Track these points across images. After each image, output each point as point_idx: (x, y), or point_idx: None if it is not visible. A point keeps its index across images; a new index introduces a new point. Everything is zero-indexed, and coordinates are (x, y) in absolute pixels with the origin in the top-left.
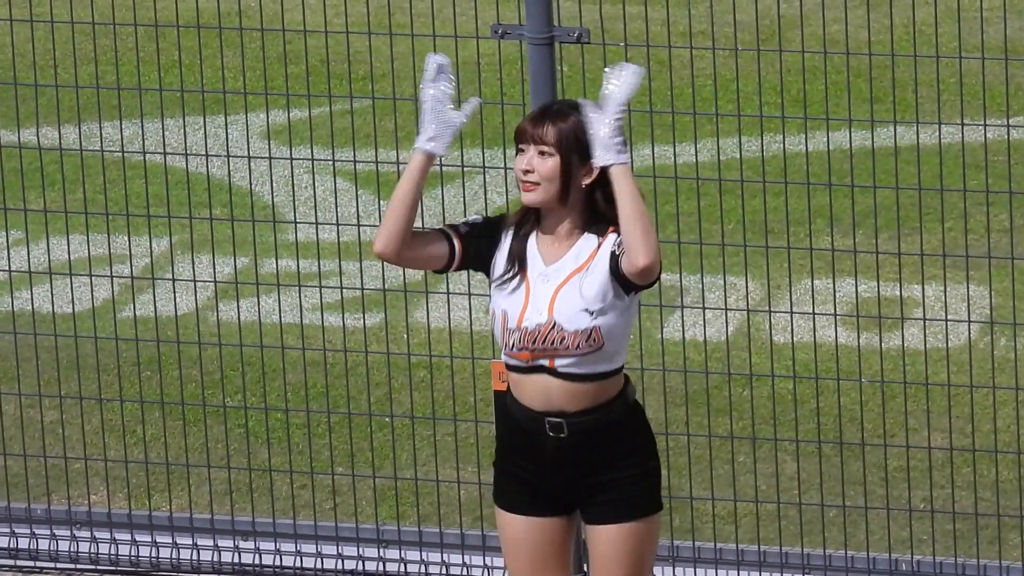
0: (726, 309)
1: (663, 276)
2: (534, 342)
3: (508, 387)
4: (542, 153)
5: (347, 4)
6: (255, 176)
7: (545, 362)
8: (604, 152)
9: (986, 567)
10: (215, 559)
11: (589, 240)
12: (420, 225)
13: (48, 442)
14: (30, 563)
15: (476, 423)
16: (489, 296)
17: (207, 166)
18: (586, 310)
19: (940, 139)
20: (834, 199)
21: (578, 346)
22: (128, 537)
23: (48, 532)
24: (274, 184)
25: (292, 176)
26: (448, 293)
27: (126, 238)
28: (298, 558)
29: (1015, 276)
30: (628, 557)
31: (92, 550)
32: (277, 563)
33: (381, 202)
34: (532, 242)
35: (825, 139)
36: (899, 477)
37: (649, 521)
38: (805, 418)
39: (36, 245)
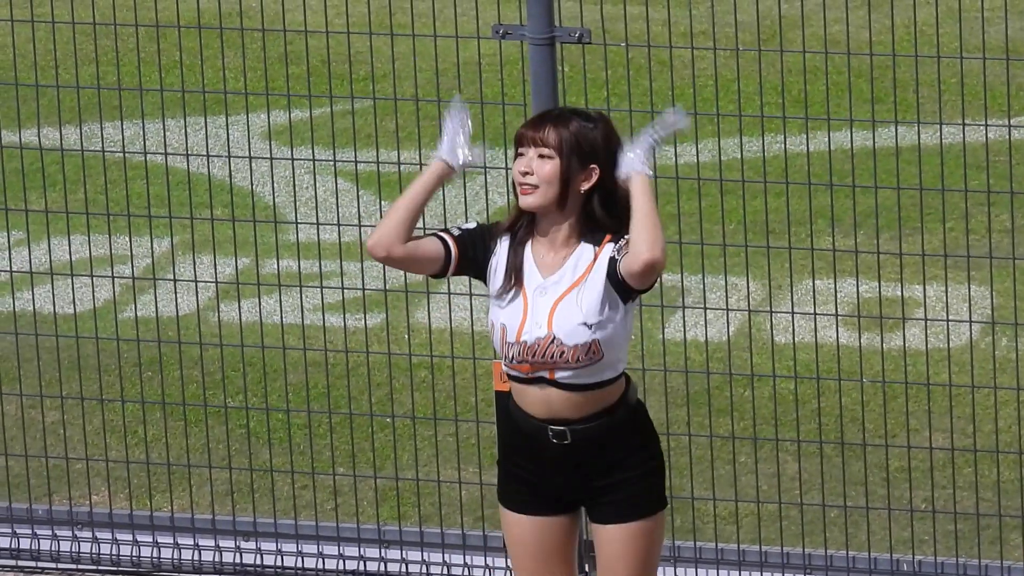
0: (727, 309)
1: (664, 276)
2: (534, 355)
3: (510, 393)
4: (542, 156)
5: (348, 4)
6: (256, 176)
7: (545, 374)
8: (632, 165)
9: (987, 567)
10: (217, 559)
11: (586, 250)
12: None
13: (49, 442)
14: (32, 563)
15: (477, 423)
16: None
17: (208, 166)
18: (585, 323)
19: (941, 139)
20: (835, 199)
21: (578, 359)
22: (130, 537)
23: (50, 532)
24: (275, 184)
25: (293, 176)
26: (449, 293)
27: (127, 238)
28: (300, 558)
29: (1016, 276)
30: (635, 555)
31: (94, 550)
32: (279, 563)
33: (382, 202)
34: (528, 252)
35: (826, 139)
36: (900, 477)
37: (654, 519)
38: (806, 418)
39: (37, 245)
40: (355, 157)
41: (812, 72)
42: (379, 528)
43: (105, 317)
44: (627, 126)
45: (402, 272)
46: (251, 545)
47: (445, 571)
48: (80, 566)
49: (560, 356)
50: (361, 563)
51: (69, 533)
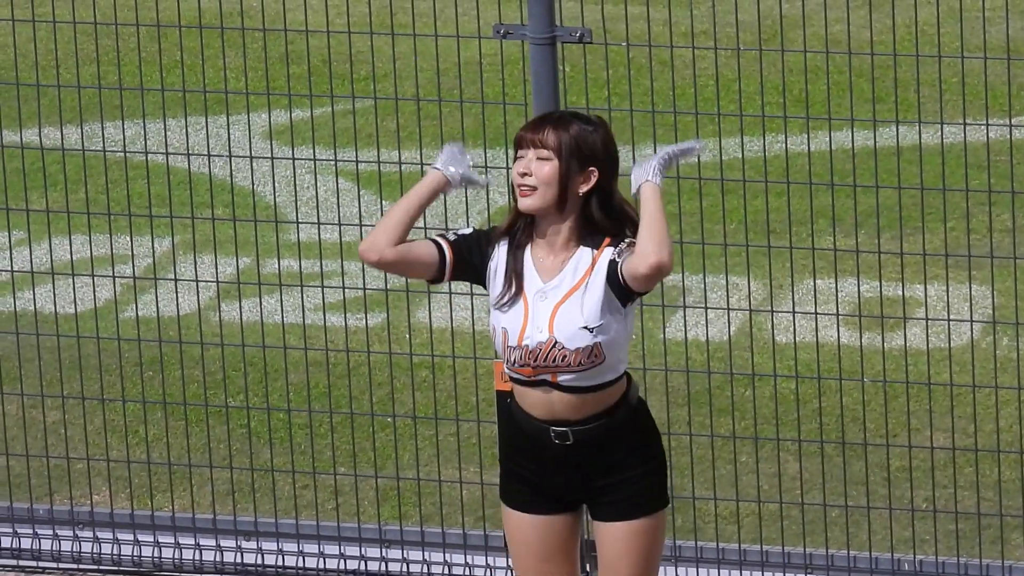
0: (728, 309)
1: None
2: (535, 360)
3: (512, 393)
4: (540, 158)
5: (349, 4)
6: (257, 176)
7: (547, 377)
8: (646, 172)
9: (989, 567)
10: (218, 559)
11: (585, 253)
12: (421, 225)
13: (51, 442)
14: (33, 563)
15: (478, 423)
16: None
17: (209, 166)
18: (586, 327)
19: (943, 139)
20: (836, 199)
21: (580, 363)
22: (131, 537)
23: (51, 532)
24: (276, 184)
25: (294, 176)
26: (450, 293)
27: (128, 238)
28: (300, 558)
29: (1017, 276)
30: (636, 554)
31: (95, 550)
32: (279, 563)
33: (383, 202)
34: (527, 256)
35: (827, 139)
36: (901, 477)
37: (656, 517)
38: (807, 418)
39: (38, 245)
40: (356, 157)
41: (813, 72)
42: (380, 528)
43: (106, 317)
44: (628, 126)
45: None
46: (252, 545)
47: (446, 571)
48: (81, 566)
49: (562, 360)
50: (362, 563)
51: (70, 533)
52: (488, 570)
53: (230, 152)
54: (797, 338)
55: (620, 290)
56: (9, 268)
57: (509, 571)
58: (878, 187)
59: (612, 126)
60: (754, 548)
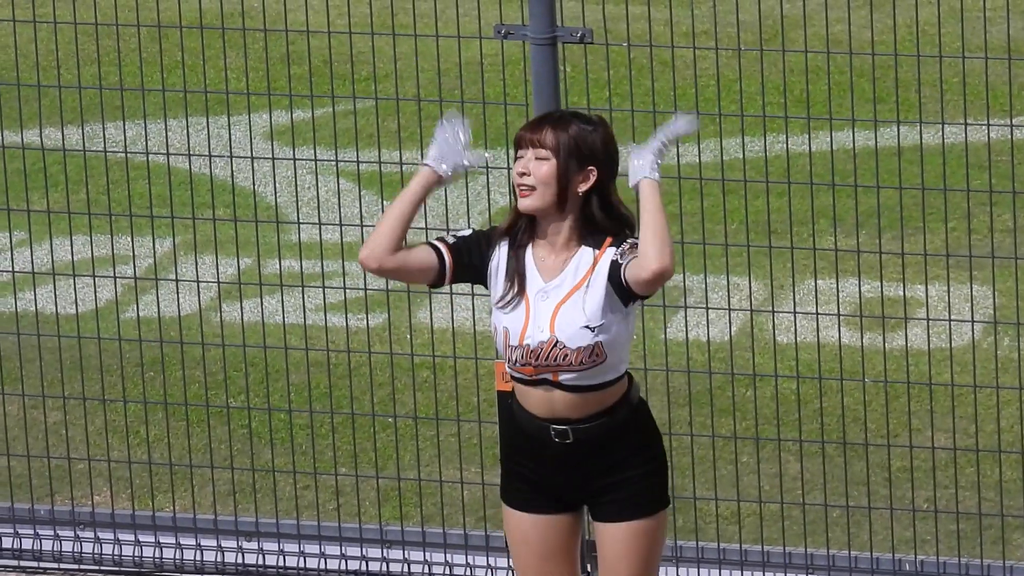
0: (729, 309)
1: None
2: (537, 359)
3: (513, 392)
4: (539, 158)
5: (350, 5)
6: (258, 177)
7: (549, 376)
8: (641, 169)
9: (990, 567)
10: (219, 559)
11: (586, 253)
12: (423, 225)
13: (51, 443)
14: (34, 564)
15: (479, 423)
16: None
17: (210, 167)
18: (587, 327)
19: (943, 139)
20: (837, 199)
21: (581, 362)
22: (132, 538)
23: (52, 533)
24: (277, 185)
25: (295, 177)
26: (451, 294)
27: (129, 239)
28: (302, 558)
29: (1018, 276)
30: (636, 554)
31: (95, 551)
32: (280, 563)
33: (384, 202)
34: (529, 256)
35: (828, 139)
36: (902, 477)
37: (656, 518)
38: (808, 418)
39: (39, 246)
40: (357, 157)
41: (814, 72)
42: (381, 528)
43: (107, 317)
44: (629, 126)
45: None
46: (253, 545)
47: (447, 571)
48: (82, 566)
49: (563, 359)
50: (363, 563)
51: (71, 533)
52: (489, 570)
53: (231, 152)
54: (798, 338)
55: (622, 290)
56: (10, 268)
57: (510, 572)
58: (879, 187)
59: (613, 126)
60: (755, 548)
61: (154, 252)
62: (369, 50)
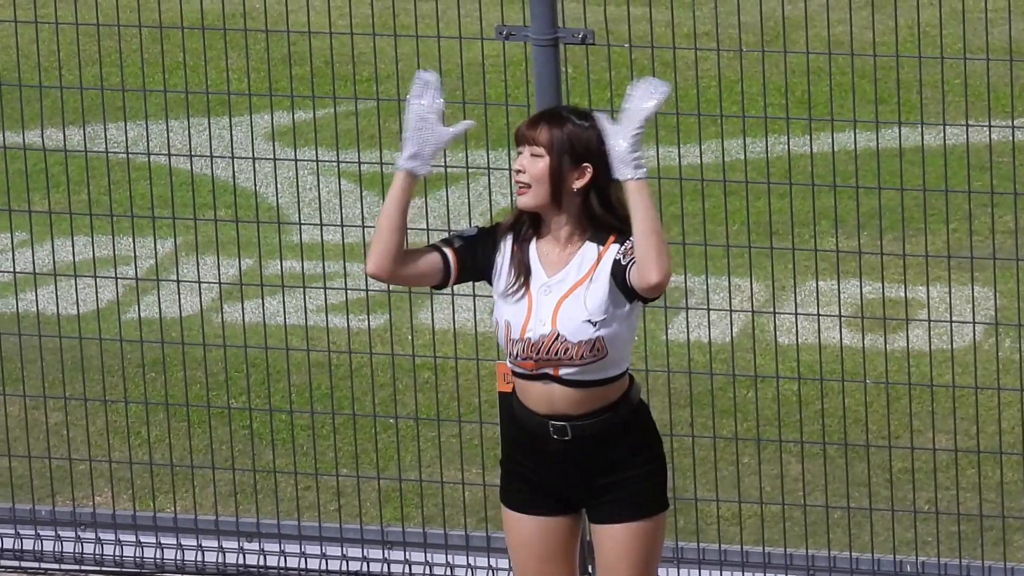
0: (731, 310)
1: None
2: (538, 352)
3: (513, 389)
4: (534, 155)
5: (351, 5)
6: (260, 177)
7: (549, 370)
8: (622, 166)
9: (991, 569)
10: (220, 560)
11: (590, 249)
12: (424, 226)
13: (53, 443)
14: (35, 564)
15: (480, 424)
16: (493, 299)
17: (212, 167)
18: (589, 321)
19: (945, 140)
20: (839, 200)
21: (582, 356)
22: (133, 538)
23: (53, 533)
24: (279, 185)
25: (297, 177)
26: (452, 295)
27: (131, 239)
28: (303, 559)
29: (1020, 277)
30: (635, 556)
31: (96, 551)
32: (282, 564)
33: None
34: (533, 251)
35: (830, 140)
36: (904, 478)
37: (655, 520)
38: (809, 419)
39: (41, 246)
40: (359, 158)
41: (815, 73)
42: (382, 529)
43: (108, 318)
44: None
45: None
46: (254, 546)
47: (448, 572)
48: (83, 567)
49: (564, 353)
50: (364, 564)
51: (72, 534)
52: (491, 571)
53: (232, 153)
54: (800, 339)
55: (625, 288)
56: (12, 269)
57: (511, 573)
58: (880, 188)
59: None
60: (756, 549)
61: (155, 253)
62: (371, 51)
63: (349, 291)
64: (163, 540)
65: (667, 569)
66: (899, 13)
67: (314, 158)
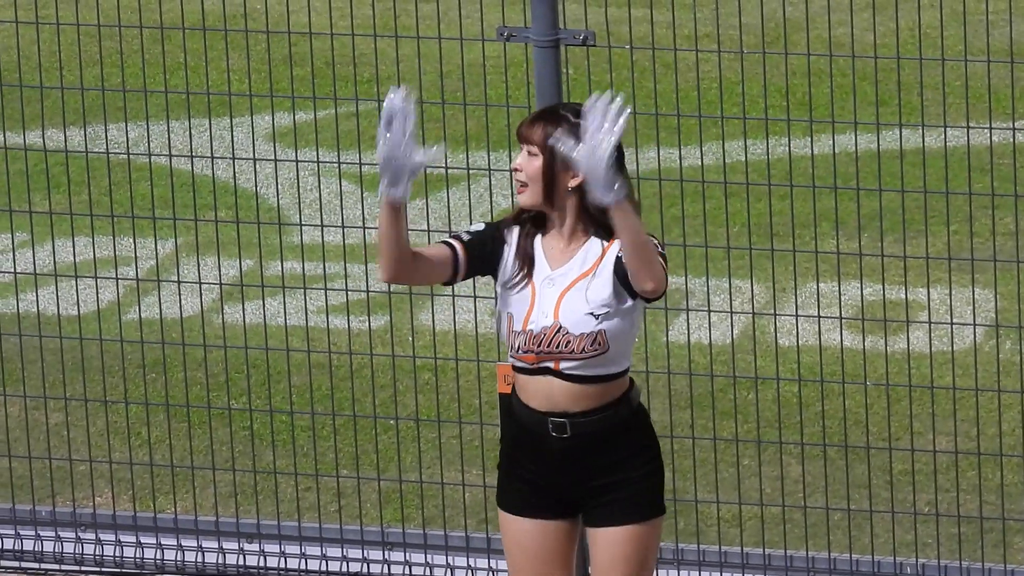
0: (731, 312)
1: (669, 279)
2: (539, 345)
3: (513, 388)
4: (530, 153)
5: (352, 6)
6: (260, 178)
7: (550, 364)
8: (597, 191)
9: (991, 571)
10: (220, 561)
11: (595, 244)
12: (425, 227)
13: (53, 444)
14: (35, 565)
15: (481, 425)
16: (494, 298)
17: (212, 168)
18: (591, 314)
19: (946, 142)
20: (839, 202)
21: (583, 349)
22: (133, 539)
23: (53, 534)
24: (279, 186)
25: (298, 178)
26: (453, 296)
27: (131, 240)
28: (303, 560)
29: (1020, 279)
30: (630, 559)
31: (97, 552)
32: (282, 565)
33: None
34: (538, 244)
35: (830, 142)
36: (904, 480)
37: (651, 524)
38: (810, 421)
39: (41, 247)
40: (359, 159)
41: (816, 75)
42: (383, 530)
43: (109, 319)
44: (631, 129)
45: None
46: (254, 547)
47: (448, 573)
48: (84, 568)
49: (566, 346)
50: (364, 565)
51: (73, 534)
52: (491, 572)
53: (233, 154)
54: (800, 341)
55: (627, 285)
56: (12, 270)
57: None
58: (881, 190)
59: None
60: (756, 551)
61: (156, 253)
62: (372, 52)
63: (350, 292)
64: (163, 541)
65: (667, 570)
66: (900, 15)
67: (315, 159)
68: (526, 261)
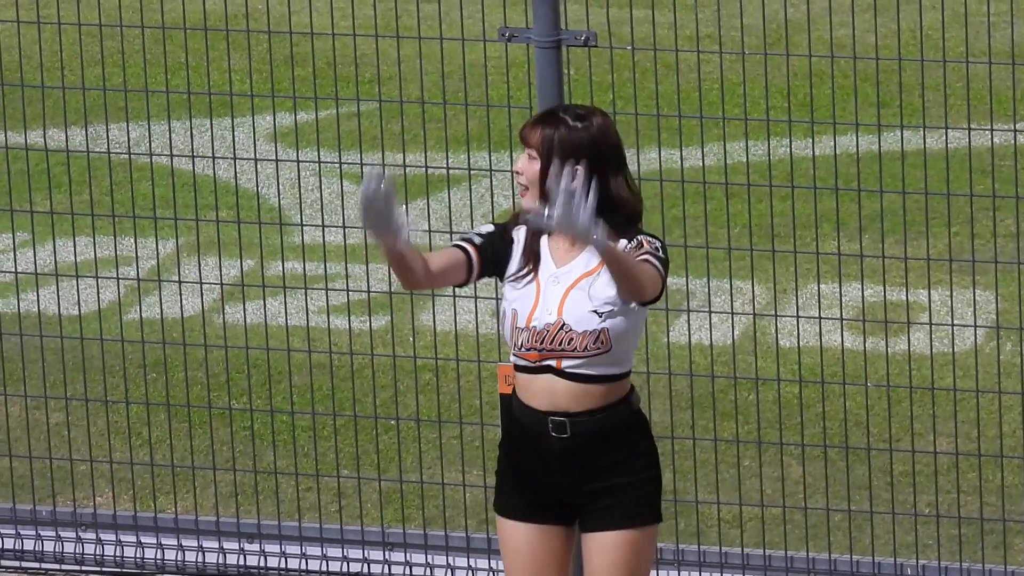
0: (732, 313)
1: (669, 280)
2: (542, 342)
3: (514, 390)
4: (531, 156)
5: (354, 7)
6: (262, 178)
7: (552, 362)
8: (579, 241)
9: (991, 572)
10: (220, 561)
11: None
12: (426, 228)
13: (54, 444)
14: (35, 565)
15: (482, 426)
16: (494, 299)
17: (214, 168)
18: (595, 311)
19: (947, 143)
20: (840, 203)
21: (586, 347)
22: (134, 539)
23: (53, 534)
24: (280, 186)
25: (299, 178)
26: (454, 296)
27: (132, 240)
28: (303, 561)
29: (1021, 281)
30: (627, 564)
31: (98, 552)
32: (282, 566)
33: None
34: (544, 243)
35: (832, 143)
36: (904, 482)
37: (646, 531)
38: (811, 422)
39: (42, 247)
40: (360, 159)
41: (818, 76)
42: (383, 530)
43: (110, 318)
44: (633, 129)
45: None
46: (255, 547)
47: (449, 574)
48: (84, 568)
49: (568, 343)
50: (365, 566)
51: (73, 534)
52: (491, 573)
53: (235, 154)
54: (801, 342)
55: None
56: (13, 270)
57: None
58: (882, 191)
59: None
60: (757, 552)
61: (157, 253)
62: (373, 52)
63: (351, 292)
64: (164, 541)
65: (668, 571)
66: (901, 16)
67: (316, 159)
68: (531, 257)
